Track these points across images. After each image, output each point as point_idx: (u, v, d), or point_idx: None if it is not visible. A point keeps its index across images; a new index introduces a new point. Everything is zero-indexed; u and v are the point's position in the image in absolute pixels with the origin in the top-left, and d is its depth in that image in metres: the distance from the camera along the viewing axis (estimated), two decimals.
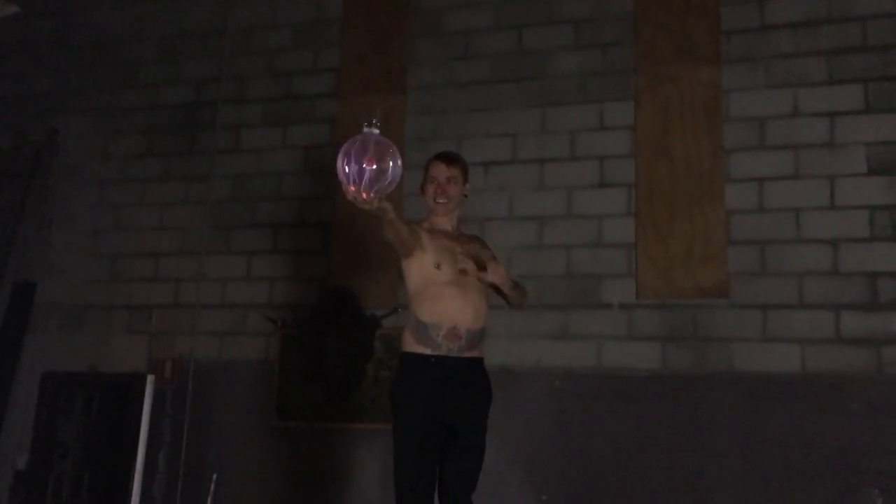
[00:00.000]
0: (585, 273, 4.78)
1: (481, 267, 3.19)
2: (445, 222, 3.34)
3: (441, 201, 3.31)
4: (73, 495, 5.69)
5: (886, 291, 4.29)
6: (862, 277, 4.34)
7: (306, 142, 5.54)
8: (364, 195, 2.63)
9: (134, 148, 5.94)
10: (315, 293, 5.27)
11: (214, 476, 5.08)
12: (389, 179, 2.65)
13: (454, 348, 3.13)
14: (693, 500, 4.34)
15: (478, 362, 3.24)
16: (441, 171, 3.31)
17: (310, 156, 5.52)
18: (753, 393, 4.36)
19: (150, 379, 4.91)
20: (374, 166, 2.61)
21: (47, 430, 5.63)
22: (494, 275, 3.19)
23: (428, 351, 3.14)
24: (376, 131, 2.66)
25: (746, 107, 4.67)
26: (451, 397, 3.12)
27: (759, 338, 4.43)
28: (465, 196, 3.40)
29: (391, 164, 2.65)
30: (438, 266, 3.18)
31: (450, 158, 3.37)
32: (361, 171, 2.60)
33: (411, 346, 3.18)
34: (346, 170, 2.62)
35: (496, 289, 3.29)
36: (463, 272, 3.17)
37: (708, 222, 4.61)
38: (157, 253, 5.71)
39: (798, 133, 4.56)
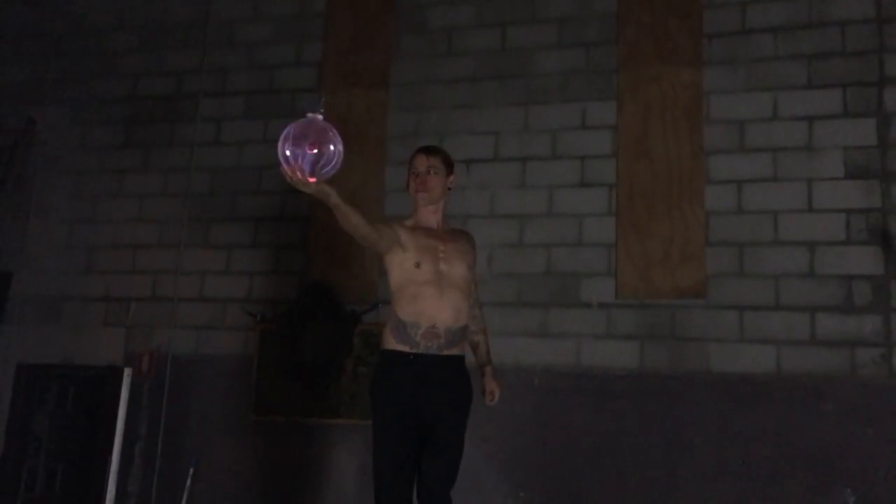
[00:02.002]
0: (565, 272, 4.80)
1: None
2: (430, 218, 3.34)
3: (421, 192, 3.31)
4: (47, 488, 5.63)
5: (861, 294, 4.35)
6: (837, 280, 4.39)
7: None
8: (305, 178, 2.67)
9: (112, 139, 5.88)
10: (294, 288, 5.26)
11: (191, 470, 5.06)
12: (332, 163, 2.70)
13: (433, 346, 3.14)
14: (668, 498, 4.38)
15: (458, 360, 3.24)
16: (421, 163, 3.32)
17: None
18: (729, 393, 4.40)
19: (126, 372, 4.88)
20: (315, 150, 2.66)
21: (21, 423, 5.56)
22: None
23: (407, 349, 3.15)
24: (320, 117, 2.72)
25: (726, 109, 4.71)
26: (429, 396, 3.13)
27: (735, 338, 4.48)
28: (450, 189, 3.39)
29: (331, 147, 2.69)
30: (418, 265, 3.19)
31: (430, 149, 3.38)
32: (302, 155, 2.66)
33: (391, 343, 3.20)
34: (287, 153, 2.66)
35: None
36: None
37: (687, 223, 4.65)
38: (135, 245, 5.66)
39: (777, 136, 4.61)
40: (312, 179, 2.68)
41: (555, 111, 4.99)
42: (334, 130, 2.72)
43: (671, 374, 4.51)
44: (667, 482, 4.40)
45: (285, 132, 2.69)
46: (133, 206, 5.73)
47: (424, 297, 3.16)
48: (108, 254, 5.71)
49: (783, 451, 4.27)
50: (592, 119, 4.92)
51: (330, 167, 2.71)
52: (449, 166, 3.38)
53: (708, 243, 4.60)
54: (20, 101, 6.09)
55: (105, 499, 4.63)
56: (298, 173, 2.65)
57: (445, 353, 3.17)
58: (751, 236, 4.55)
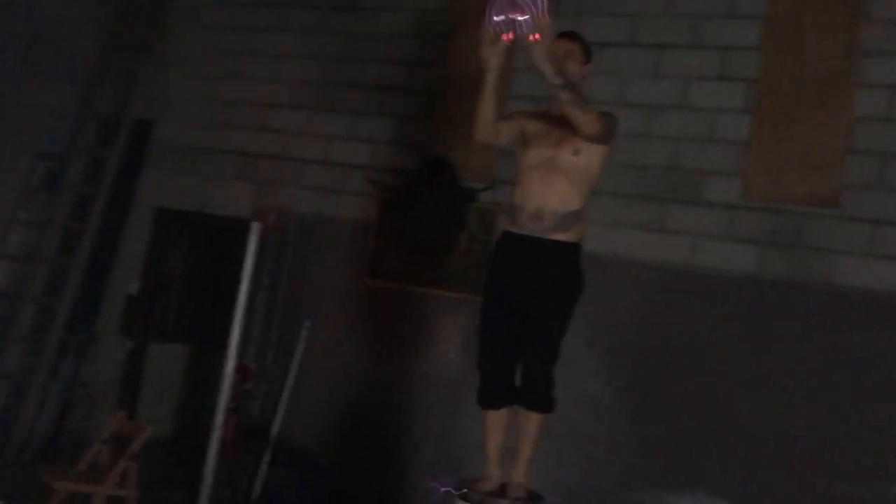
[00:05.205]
0: (690, 167, 4.64)
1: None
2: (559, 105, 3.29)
3: None
4: (178, 322, 6.12)
5: None
6: None
7: (421, 5, 5.45)
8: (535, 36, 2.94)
9: None
10: (415, 160, 5.32)
11: (307, 323, 5.36)
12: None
13: (538, 229, 3.21)
14: (762, 410, 4.29)
15: (563, 246, 3.25)
16: (560, 46, 3.27)
17: (424, 19, 5.43)
18: (847, 309, 4.23)
19: (256, 225, 5.12)
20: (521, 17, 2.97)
21: (158, 262, 6.00)
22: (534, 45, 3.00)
23: (514, 230, 3.29)
24: None
25: (891, 6, 4.30)
26: (528, 276, 3.23)
27: (865, 252, 4.26)
28: (584, 78, 3.37)
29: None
30: (528, 150, 3.28)
31: (571, 34, 3.39)
32: (511, 21, 2.99)
33: (504, 224, 3.43)
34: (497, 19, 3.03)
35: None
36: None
37: (830, 127, 4.38)
38: (268, 104, 5.82)
39: None
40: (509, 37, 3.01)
41: None
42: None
43: (788, 283, 4.36)
44: (765, 392, 4.30)
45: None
46: (267, 65, 5.86)
47: (532, 181, 3.25)
48: (242, 110, 5.91)
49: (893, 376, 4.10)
50: (740, 6, 4.61)
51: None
52: (587, 54, 3.38)
53: (849, 150, 4.33)
54: None
55: (231, 340, 4.96)
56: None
57: (550, 236, 3.22)
58: None
